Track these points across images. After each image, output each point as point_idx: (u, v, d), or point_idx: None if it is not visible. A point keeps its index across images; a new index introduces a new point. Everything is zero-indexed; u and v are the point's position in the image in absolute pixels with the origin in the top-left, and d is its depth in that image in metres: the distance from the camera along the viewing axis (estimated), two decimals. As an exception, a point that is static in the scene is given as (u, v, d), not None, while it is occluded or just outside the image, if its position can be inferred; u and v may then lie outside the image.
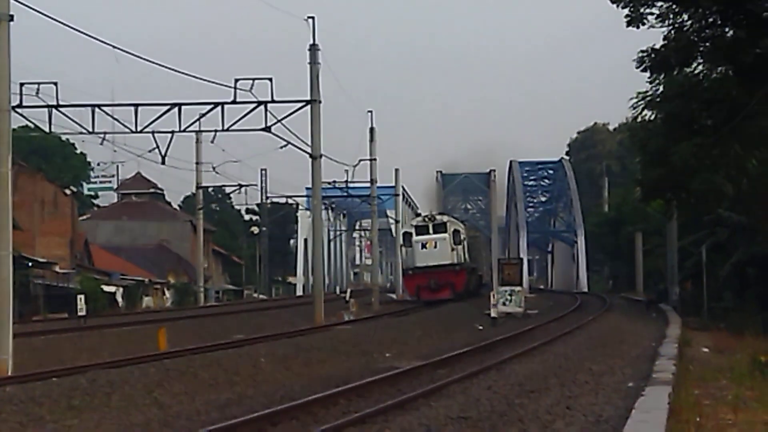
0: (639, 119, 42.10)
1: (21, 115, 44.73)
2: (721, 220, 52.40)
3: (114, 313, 64.87)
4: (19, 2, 28.22)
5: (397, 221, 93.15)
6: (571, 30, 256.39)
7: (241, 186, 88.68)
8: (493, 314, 46.30)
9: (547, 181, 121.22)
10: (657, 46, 39.01)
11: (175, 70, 44.54)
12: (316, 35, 49.89)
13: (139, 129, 46.93)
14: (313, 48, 50.19)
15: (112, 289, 72.28)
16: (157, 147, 49.00)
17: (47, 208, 77.70)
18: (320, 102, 49.05)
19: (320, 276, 52.59)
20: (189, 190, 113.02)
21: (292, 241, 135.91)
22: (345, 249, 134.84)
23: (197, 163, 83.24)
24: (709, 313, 48.11)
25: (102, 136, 49.06)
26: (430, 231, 69.79)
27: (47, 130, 47.78)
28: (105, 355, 30.42)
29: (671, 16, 38.46)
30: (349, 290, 72.36)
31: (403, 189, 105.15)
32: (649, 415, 14.83)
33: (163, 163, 49.89)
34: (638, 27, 38.33)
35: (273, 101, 47.14)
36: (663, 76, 39.69)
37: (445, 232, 69.79)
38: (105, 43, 37.07)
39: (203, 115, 47.52)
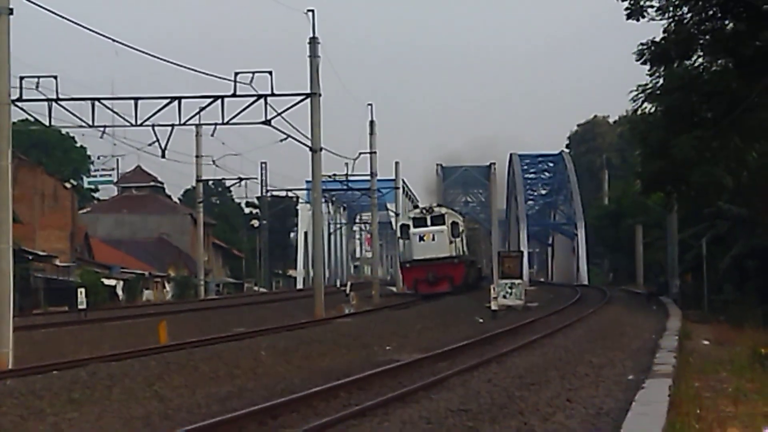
0: (639, 112, 41.97)
1: (21, 108, 44.66)
2: (721, 212, 52.44)
3: (114, 306, 65.01)
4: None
5: (397, 214, 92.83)
6: (571, 28, 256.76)
7: (241, 179, 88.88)
8: (493, 307, 46.28)
9: (547, 173, 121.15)
10: (657, 39, 38.99)
11: (175, 64, 44.63)
12: (316, 28, 49.96)
13: (139, 122, 46.87)
14: (313, 41, 50.17)
15: (112, 282, 72.39)
16: (157, 140, 48.98)
17: (47, 201, 77.80)
18: (320, 95, 49.03)
19: (320, 269, 52.58)
20: (189, 183, 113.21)
21: (292, 235, 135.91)
22: (345, 242, 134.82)
23: (197, 157, 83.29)
24: (710, 306, 48.11)
25: (102, 129, 48.94)
26: (428, 223, 68.34)
27: (47, 123, 47.71)
28: (105, 348, 30.45)
29: (671, 8, 38.41)
30: (349, 283, 72.28)
31: (404, 182, 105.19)
32: (649, 408, 14.83)
33: (163, 156, 49.89)
34: (638, 20, 38.24)
35: (273, 94, 47.10)
36: (663, 69, 39.59)
37: (443, 224, 68.35)
38: (105, 36, 37.17)
39: (203, 108, 47.44)
